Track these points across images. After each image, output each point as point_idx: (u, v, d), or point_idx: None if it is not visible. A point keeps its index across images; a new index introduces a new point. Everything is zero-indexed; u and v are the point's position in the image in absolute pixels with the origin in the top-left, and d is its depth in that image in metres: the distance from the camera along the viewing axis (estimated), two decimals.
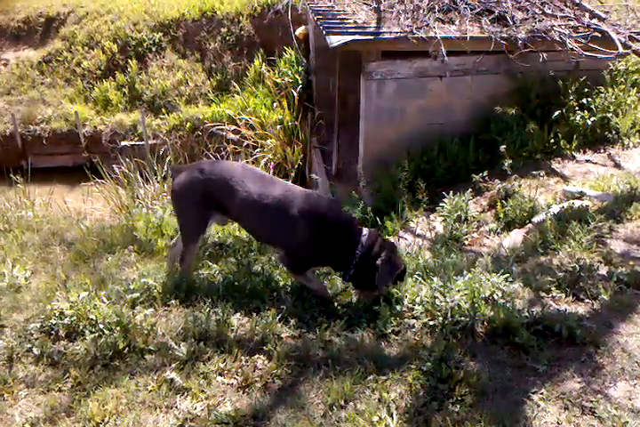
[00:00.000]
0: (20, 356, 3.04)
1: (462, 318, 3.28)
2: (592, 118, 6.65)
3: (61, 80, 11.55)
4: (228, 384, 2.92)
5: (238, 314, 3.42)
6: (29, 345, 3.09)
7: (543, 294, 3.68)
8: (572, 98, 6.84)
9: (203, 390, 2.85)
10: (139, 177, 7.42)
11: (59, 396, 2.79)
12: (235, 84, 10.60)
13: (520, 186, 5.99)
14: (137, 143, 9.55)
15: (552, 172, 6.25)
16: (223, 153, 8.93)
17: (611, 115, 6.69)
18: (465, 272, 3.77)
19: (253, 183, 3.56)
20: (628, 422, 2.64)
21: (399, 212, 6.02)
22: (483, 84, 7.21)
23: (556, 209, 5.13)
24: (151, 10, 12.08)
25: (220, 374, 2.97)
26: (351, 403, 2.80)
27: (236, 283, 3.72)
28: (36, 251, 4.24)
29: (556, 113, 6.75)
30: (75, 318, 3.17)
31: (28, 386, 2.86)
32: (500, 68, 7.18)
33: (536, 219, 5.14)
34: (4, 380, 2.88)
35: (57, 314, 3.21)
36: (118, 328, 3.13)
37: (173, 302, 3.51)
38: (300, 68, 10.17)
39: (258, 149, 9.16)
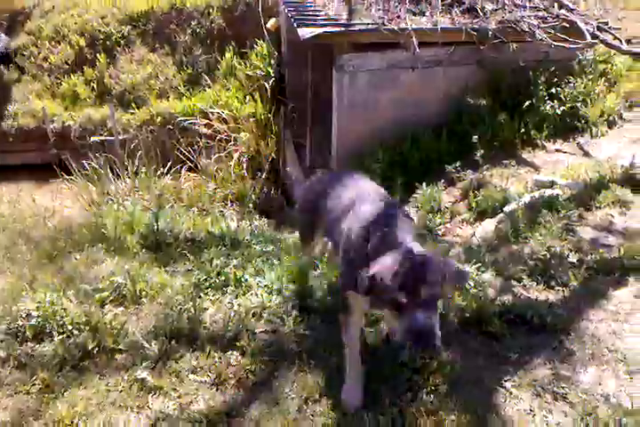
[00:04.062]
0: None
1: None
2: (561, 108, 6.72)
3: (28, 75, 11.28)
4: (200, 382, 2.88)
5: (211, 310, 3.39)
6: None
7: (515, 283, 3.71)
8: (541, 88, 6.90)
9: (175, 389, 2.81)
10: (109, 173, 7.29)
11: (26, 398, 2.73)
12: (206, 77, 10.46)
13: (492, 176, 6.04)
14: (107, 139, 9.35)
15: (523, 161, 6.30)
16: (195, 147, 8.82)
17: (580, 104, 6.77)
18: None
19: (338, 191, 3.15)
20: (598, 406, 2.68)
21: None
22: (454, 76, 7.24)
23: (527, 198, 5.17)
24: (119, 3, 11.83)
25: (193, 372, 2.93)
26: (326, 396, 2.79)
27: (208, 278, 3.68)
28: (2, 251, 4.14)
29: (527, 103, 6.80)
30: (42, 318, 3.10)
31: None
32: (471, 60, 7.20)
33: (507, 208, 5.17)
34: None
35: (23, 315, 3.13)
36: (87, 328, 3.07)
37: (144, 300, 3.46)
38: (272, 61, 10.08)
39: (231, 143, 9.06)
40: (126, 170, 7.43)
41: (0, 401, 2.73)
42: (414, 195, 6.03)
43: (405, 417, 2.66)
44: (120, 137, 8.91)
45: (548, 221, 4.52)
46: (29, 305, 3.17)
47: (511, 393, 2.80)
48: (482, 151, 6.05)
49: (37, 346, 3.01)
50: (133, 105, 10.13)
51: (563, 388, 2.82)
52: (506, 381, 2.88)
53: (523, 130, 6.68)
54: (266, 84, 9.78)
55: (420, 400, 2.75)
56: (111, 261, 3.83)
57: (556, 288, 3.65)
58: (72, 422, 2.58)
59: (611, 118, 6.69)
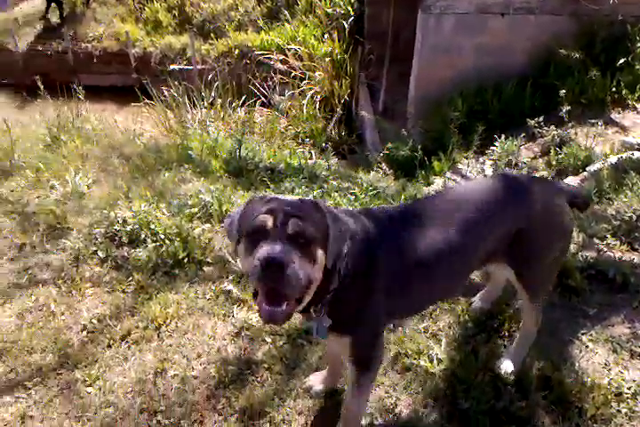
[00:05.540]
0: (85, 257, 3.16)
1: None
2: None
3: None
4: None
5: None
6: (94, 248, 3.21)
7: (597, 241, 3.64)
8: (639, 45, 6.50)
9: None
10: (187, 101, 7.38)
11: (123, 296, 2.91)
12: (285, 12, 10.30)
13: (576, 134, 5.82)
14: (185, 67, 9.43)
15: (611, 121, 6.03)
16: (270, 83, 8.80)
17: None
18: None
19: None
20: None
21: (448, 152, 5.93)
22: (546, 25, 6.89)
23: (613, 159, 4.99)
24: None
25: None
26: (399, 328, 2.86)
27: None
28: (96, 162, 4.32)
29: (622, 60, 6.45)
30: (137, 226, 3.26)
31: (94, 285, 2.99)
32: (566, 9, 6.83)
33: (592, 168, 5.01)
34: (72, 278, 3.01)
35: (120, 221, 3.30)
36: (178, 239, 3.21)
37: None
38: None
39: (305, 81, 8.99)
40: (202, 100, 7.49)
41: (99, 296, 2.92)
42: (492, 147, 5.88)
43: (478, 355, 2.71)
44: (198, 66, 8.94)
45: (635, 183, 4.37)
46: (125, 213, 3.33)
47: (587, 347, 2.79)
48: (568, 107, 5.81)
49: (133, 250, 3.18)
50: (212, 35, 10.11)
51: None
52: (582, 334, 2.86)
53: (614, 88, 6.35)
54: (344, 22, 9.55)
55: (493, 342, 2.78)
56: (198, 182, 3.94)
57: None
58: (164, 322, 2.75)
59: None
